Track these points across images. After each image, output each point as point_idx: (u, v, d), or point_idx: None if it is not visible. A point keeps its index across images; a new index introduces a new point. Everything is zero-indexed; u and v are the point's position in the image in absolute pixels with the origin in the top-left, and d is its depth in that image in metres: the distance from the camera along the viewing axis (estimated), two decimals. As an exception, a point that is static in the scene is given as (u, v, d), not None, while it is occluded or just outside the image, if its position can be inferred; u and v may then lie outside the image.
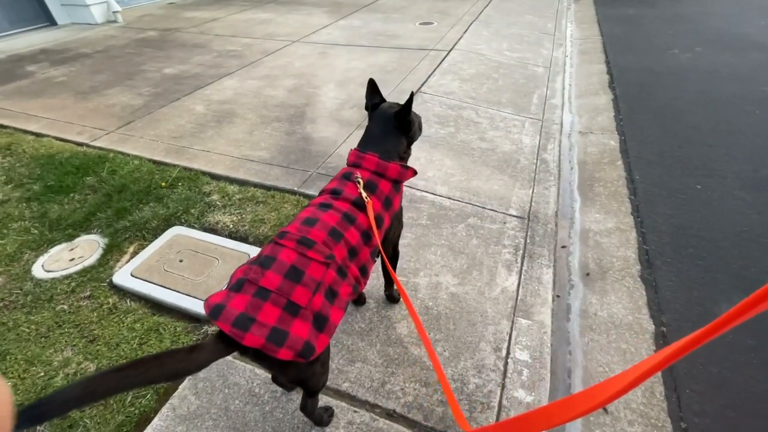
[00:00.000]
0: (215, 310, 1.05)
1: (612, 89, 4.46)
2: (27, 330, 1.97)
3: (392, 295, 2.07)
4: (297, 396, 1.69)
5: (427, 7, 7.88)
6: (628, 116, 3.92)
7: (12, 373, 1.79)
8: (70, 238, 2.53)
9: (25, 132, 3.86)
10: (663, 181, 3.05)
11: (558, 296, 2.29)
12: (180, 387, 1.74)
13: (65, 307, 2.08)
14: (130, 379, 0.87)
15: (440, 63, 5.00)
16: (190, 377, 1.77)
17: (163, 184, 2.96)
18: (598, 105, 4.24)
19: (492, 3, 7.88)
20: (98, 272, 2.28)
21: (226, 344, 1.03)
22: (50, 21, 7.69)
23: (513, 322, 2.00)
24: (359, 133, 3.62)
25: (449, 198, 2.88)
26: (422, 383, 1.73)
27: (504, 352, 1.86)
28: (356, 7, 8.12)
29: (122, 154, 3.40)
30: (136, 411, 1.68)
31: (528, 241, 2.55)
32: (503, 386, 1.72)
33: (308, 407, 1.46)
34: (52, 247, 2.47)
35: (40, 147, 3.52)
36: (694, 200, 2.85)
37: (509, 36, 6.15)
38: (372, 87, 1.58)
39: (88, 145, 3.58)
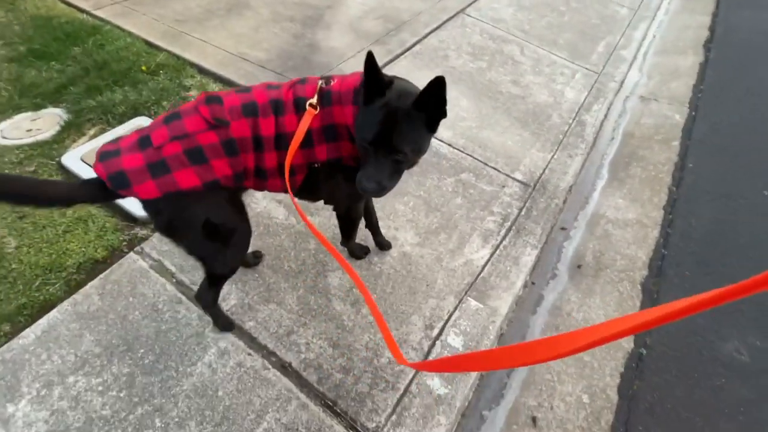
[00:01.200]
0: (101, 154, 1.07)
1: (706, 50, 3.53)
2: (-34, 192, 1.92)
3: (381, 243, 1.84)
4: (195, 324, 1.56)
5: None
6: (712, 88, 3.10)
7: (-61, 231, 1.77)
8: (37, 107, 2.40)
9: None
10: (719, 177, 2.43)
11: (533, 283, 1.94)
12: (89, 284, 1.65)
13: (7, 177, 2.00)
14: None
15: (501, -18, 4.13)
16: (100, 277, 1.67)
17: (144, 68, 2.71)
18: (679, 67, 3.39)
19: None
20: (50, 149, 2.16)
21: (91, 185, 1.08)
22: None
23: (461, 301, 1.71)
24: (374, 48, 3.12)
25: (449, 145, 2.46)
26: (331, 343, 1.54)
27: (435, 333, 1.60)
28: None
29: (118, 28, 3.14)
30: (41, 297, 1.62)
31: (522, 213, 2.15)
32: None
33: (201, 294, 1.42)
34: (17, 113, 2.36)
35: (43, 7, 3.32)
36: (749, 210, 2.25)
37: (601, -38, 4.95)
38: (371, 66, 1.01)
39: (88, 13, 3.33)
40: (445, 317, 1.65)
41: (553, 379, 1.62)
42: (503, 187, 2.28)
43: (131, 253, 1.76)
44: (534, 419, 1.51)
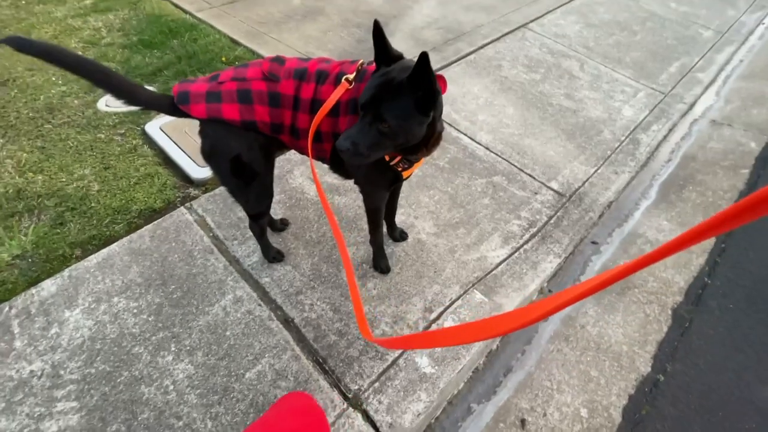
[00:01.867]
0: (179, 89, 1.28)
1: (804, 78, 3.14)
2: (71, 144, 2.36)
3: (394, 236, 1.91)
4: (220, 272, 1.75)
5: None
6: (805, 118, 2.75)
7: (46, 171, 2.19)
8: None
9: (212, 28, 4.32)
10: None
11: (550, 291, 1.88)
12: (144, 228, 1.94)
13: (102, 136, 2.42)
14: (83, 69, 1.17)
15: (570, 0, 4.06)
16: (154, 223, 1.95)
17: (224, 59, 3.10)
18: (766, 94, 3.05)
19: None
20: (139, 117, 2.56)
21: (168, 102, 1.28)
22: None
23: (466, 291, 1.72)
24: (429, 55, 3.24)
25: (487, 148, 2.47)
26: (333, 308, 1.63)
27: (433, 316, 1.62)
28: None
29: (210, 26, 3.64)
30: (107, 232, 1.93)
31: (552, 221, 2.09)
32: (410, 346, 1.52)
33: (250, 226, 1.69)
34: (120, 88, 2.84)
35: (158, 8, 3.94)
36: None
37: (691, -16, 4.64)
38: (378, 33, 1.08)
39: (191, 14, 3.89)
40: (447, 303, 1.67)
41: (552, 386, 1.55)
42: (536, 194, 2.23)
43: (182, 208, 2.03)
44: (523, 421, 1.46)
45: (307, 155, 1.44)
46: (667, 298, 1.81)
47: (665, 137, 2.67)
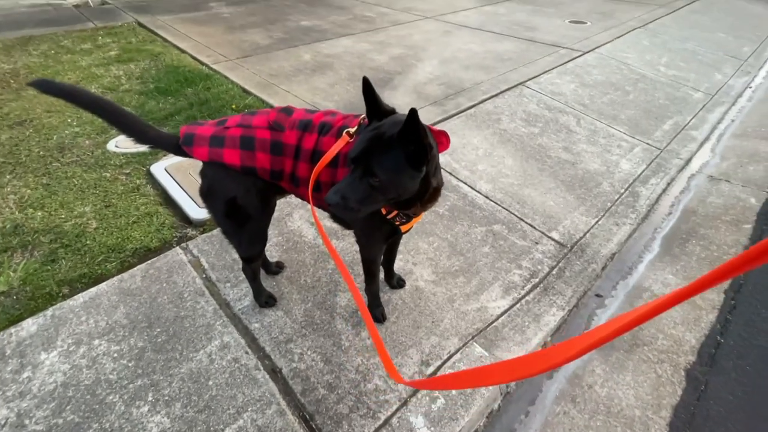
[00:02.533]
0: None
1: (796, 138, 3.22)
2: (75, 182, 2.39)
3: (391, 284, 1.86)
4: (209, 316, 1.68)
5: (590, 6, 6.86)
6: (802, 176, 2.78)
7: (47, 207, 2.20)
8: (147, 128, 2.97)
9: (176, 47, 4.65)
10: (806, 270, 2.09)
11: (553, 346, 1.78)
12: (137, 267, 1.90)
13: (108, 175, 2.46)
14: (99, 108, 1.25)
15: (566, 62, 4.30)
16: (148, 262, 1.91)
17: (234, 107, 3.24)
18: (759, 151, 3.11)
19: (677, 12, 6.42)
20: (146, 158, 2.62)
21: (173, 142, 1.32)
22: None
23: (465, 344, 1.63)
24: (430, 108, 3.38)
25: (486, 197, 2.48)
26: (324, 359, 1.54)
27: (430, 370, 1.52)
28: (511, -5, 7.54)
29: (224, 77, 3.85)
30: (99, 270, 1.89)
31: (554, 272, 2.04)
32: (405, 403, 1.41)
33: (243, 269, 1.66)
34: (131, 130, 2.94)
35: (176, 59, 4.21)
36: None
37: (676, 51, 4.94)
38: (367, 89, 1.08)
39: (207, 66, 4.14)
40: (444, 357, 1.57)
41: (560, 455, 1.41)
42: (537, 243, 2.20)
43: (177, 248, 2.00)
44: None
45: (307, 201, 1.45)
46: (679, 357, 1.71)
47: (664, 191, 2.69)
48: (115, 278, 1.84)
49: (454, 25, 5.73)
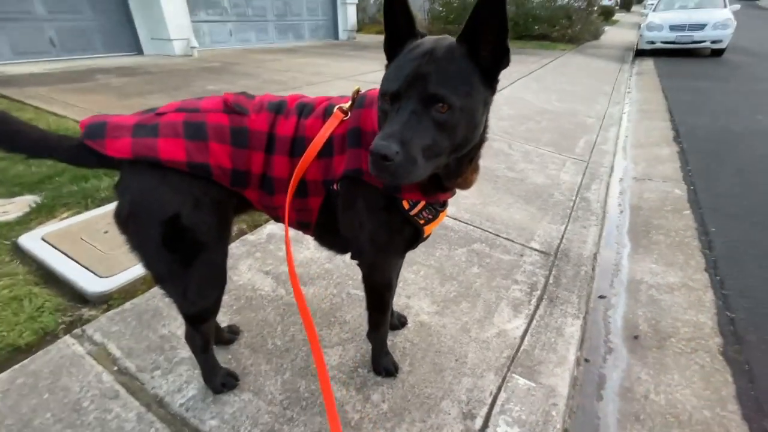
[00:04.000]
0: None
1: (678, 143, 3.77)
2: None
3: (392, 323, 1.43)
4: (130, 429, 1.08)
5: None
6: (700, 168, 3.19)
7: None
8: (12, 195, 2.24)
9: (53, 114, 3.93)
10: (752, 239, 2.24)
11: (587, 360, 1.52)
12: (2, 373, 1.20)
13: (-56, 256, 1.70)
14: None
15: (478, 102, 4.66)
16: (13, 368, 1.23)
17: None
18: (659, 155, 3.55)
19: (547, 67, 7.70)
20: (10, 230, 1.91)
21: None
22: (138, 51, 8.64)
23: (505, 378, 1.27)
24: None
25: (454, 218, 2.29)
26: (330, 446, 1.04)
27: (479, 423, 1.12)
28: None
29: (121, 137, 3.26)
30: None
31: (551, 281, 1.85)
32: (464, 482, 0.98)
33: (186, 336, 1.11)
34: (-13, 200, 2.18)
35: (54, 124, 3.50)
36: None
37: (560, 90, 5.78)
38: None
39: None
40: (489, 401, 1.19)
41: (660, 496, 1.08)
42: (521, 256, 2.03)
43: (66, 337, 1.35)
44: None
45: (280, 219, 1.05)
46: (708, 341, 1.58)
47: (607, 193, 2.82)
48: (-49, 405, 1.12)
49: (367, 83, 5.99)
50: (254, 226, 2.07)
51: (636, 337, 1.62)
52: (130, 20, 8.33)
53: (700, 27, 8.98)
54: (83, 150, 0.85)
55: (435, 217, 0.97)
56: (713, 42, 8.96)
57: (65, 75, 5.87)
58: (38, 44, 6.96)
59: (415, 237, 1.00)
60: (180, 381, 1.20)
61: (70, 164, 0.89)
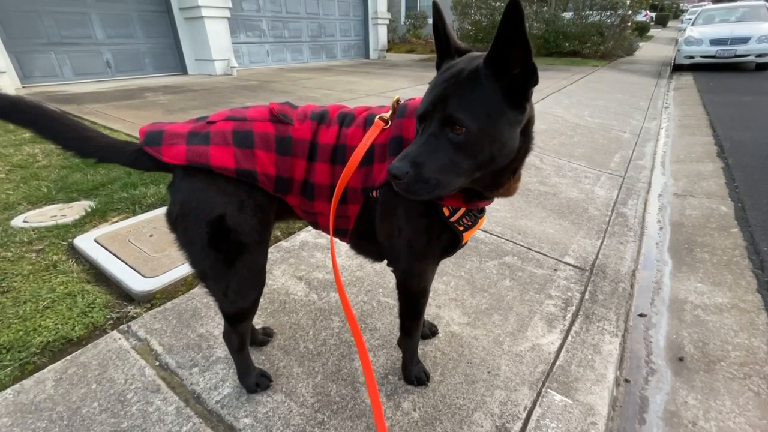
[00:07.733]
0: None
1: (722, 158, 3.59)
2: (-44, 269, 1.74)
3: (423, 331, 1.42)
4: (170, 421, 1.12)
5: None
6: (748, 185, 3.01)
7: None
8: (71, 200, 2.43)
9: (106, 128, 4.24)
10: (810, 260, 2.09)
11: (627, 381, 1.45)
12: (49, 367, 1.28)
13: (9, 254, 1.84)
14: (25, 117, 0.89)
15: (508, 117, 4.64)
16: (66, 359, 1.31)
17: (181, 171, 2.84)
18: (702, 171, 3.39)
19: (578, 82, 7.58)
20: (67, 231, 2.06)
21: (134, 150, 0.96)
22: (183, 71, 9.23)
23: (540, 393, 1.23)
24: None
25: (485, 231, 2.27)
26: (360, 451, 1.04)
27: (513, 437, 1.09)
28: (437, 78, 8.45)
29: (166, 149, 3.47)
30: (-17, 383, 1.24)
31: (587, 297, 1.79)
32: (499, 497, 0.94)
33: (224, 334, 1.17)
34: (49, 204, 2.37)
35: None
36: None
37: (592, 106, 5.66)
38: (438, 16, 0.83)
39: (144, 141, 3.75)
40: (523, 415, 1.15)
41: None
42: (555, 270, 1.97)
43: (114, 332, 1.43)
44: None
45: (321, 228, 1.10)
46: (763, 367, 1.47)
47: (645, 209, 2.71)
48: (9, 390, 1.20)
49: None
50: (288, 233, 2.14)
51: (681, 359, 1.53)
52: (177, 43, 8.93)
53: (744, 41, 8.65)
54: (143, 155, 0.93)
55: (474, 223, 0.98)
56: (758, 56, 8.59)
57: (118, 93, 6.34)
58: (96, 66, 7.58)
59: (454, 243, 1.01)
60: (216, 379, 1.24)
61: (132, 168, 0.97)
